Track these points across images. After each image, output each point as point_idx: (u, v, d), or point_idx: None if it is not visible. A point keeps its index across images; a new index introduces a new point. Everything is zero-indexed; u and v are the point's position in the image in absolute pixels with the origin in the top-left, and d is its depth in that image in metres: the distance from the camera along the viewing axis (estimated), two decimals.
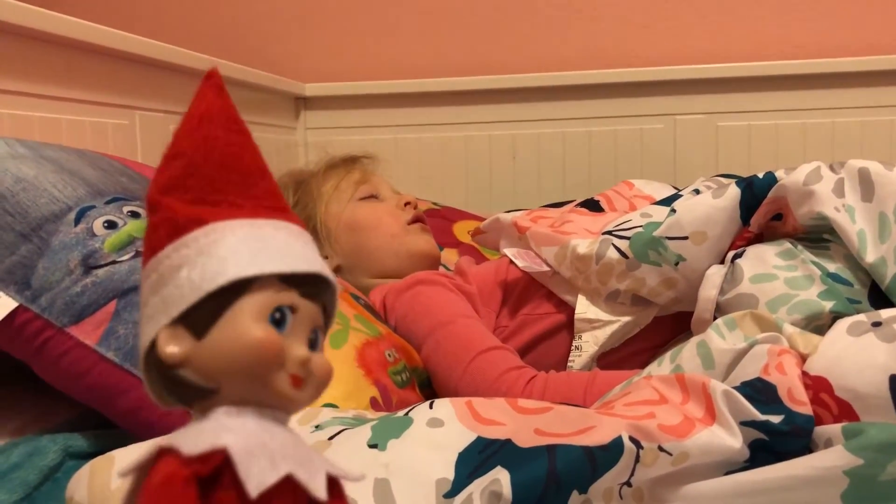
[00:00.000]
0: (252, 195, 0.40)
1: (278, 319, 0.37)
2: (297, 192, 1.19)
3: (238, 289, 0.37)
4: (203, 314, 0.37)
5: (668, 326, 0.95)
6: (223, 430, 0.36)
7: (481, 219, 1.64)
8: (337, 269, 1.15)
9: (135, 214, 0.82)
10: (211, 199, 0.39)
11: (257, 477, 0.34)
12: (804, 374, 0.64)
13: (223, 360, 0.37)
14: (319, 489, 0.35)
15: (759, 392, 0.62)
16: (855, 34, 1.79)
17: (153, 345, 0.37)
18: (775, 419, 0.60)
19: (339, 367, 0.77)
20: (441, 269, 1.27)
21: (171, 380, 0.38)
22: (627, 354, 0.95)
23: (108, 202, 0.82)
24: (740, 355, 0.69)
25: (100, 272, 0.75)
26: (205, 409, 0.38)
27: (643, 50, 1.86)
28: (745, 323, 0.73)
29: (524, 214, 1.06)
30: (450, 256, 1.46)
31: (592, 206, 1.08)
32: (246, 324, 0.36)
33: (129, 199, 0.84)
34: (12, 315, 0.72)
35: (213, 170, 0.39)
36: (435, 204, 1.67)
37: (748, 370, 0.67)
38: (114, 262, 0.76)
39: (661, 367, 0.73)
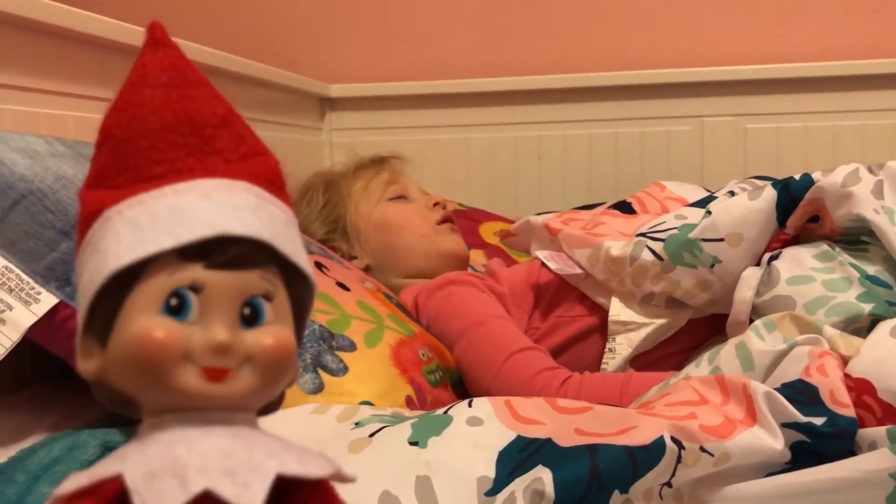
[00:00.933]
0: (211, 150, 0.34)
1: (175, 306, 0.31)
2: (327, 192, 1.20)
3: (130, 280, 0.32)
4: (100, 320, 0.32)
5: (702, 329, 0.95)
6: (119, 455, 0.32)
7: (507, 220, 1.64)
8: (367, 269, 1.15)
9: None
10: (143, 175, 0.33)
11: (161, 501, 0.29)
12: (846, 376, 0.63)
13: (121, 368, 0.32)
14: (250, 501, 0.30)
15: (801, 394, 0.61)
16: (887, 36, 1.77)
17: None
18: (818, 421, 0.59)
19: (374, 366, 0.78)
20: (469, 270, 1.27)
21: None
22: (661, 356, 0.95)
23: None
24: (780, 357, 0.68)
25: None
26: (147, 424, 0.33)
27: (670, 51, 1.85)
28: (784, 324, 0.72)
29: (555, 217, 1.05)
30: (476, 257, 1.46)
31: (624, 208, 1.08)
32: (130, 321, 0.31)
33: None
34: (53, 311, 0.72)
35: (147, 140, 0.34)
36: (461, 205, 1.67)
37: (788, 372, 0.66)
38: None
39: (700, 368, 0.73)
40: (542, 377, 0.84)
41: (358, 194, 1.18)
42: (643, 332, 0.92)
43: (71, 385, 0.83)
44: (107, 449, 0.72)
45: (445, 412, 0.62)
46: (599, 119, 1.86)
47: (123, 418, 0.79)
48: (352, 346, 0.77)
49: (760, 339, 0.70)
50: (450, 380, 0.89)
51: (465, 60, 1.94)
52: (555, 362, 0.87)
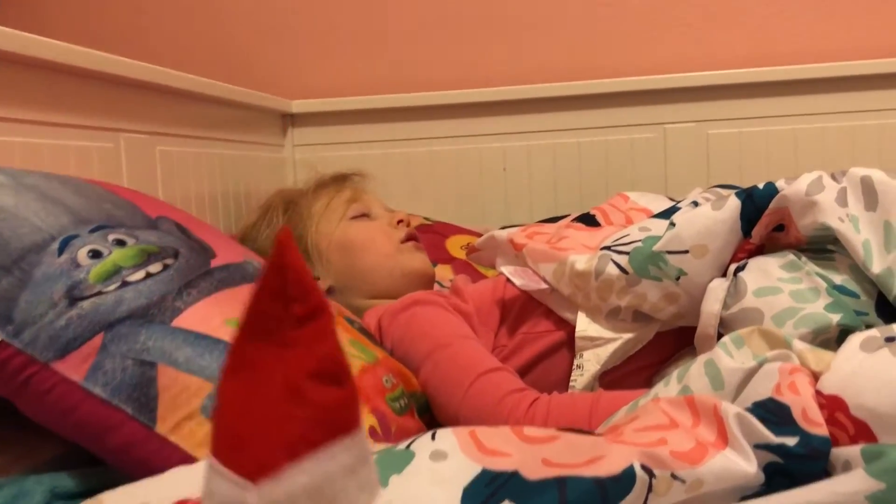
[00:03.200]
0: None
1: None
2: (287, 211, 1.17)
3: None
4: None
5: (670, 342, 0.93)
6: None
7: (474, 233, 1.62)
8: (329, 291, 1.12)
9: (120, 243, 0.79)
10: None
11: None
12: (818, 393, 0.62)
13: None
14: None
15: (773, 413, 0.60)
16: (845, 38, 1.78)
17: None
18: (790, 441, 0.57)
19: None
20: (436, 286, 1.25)
21: None
22: (630, 371, 0.93)
23: (92, 231, 0.79)
24: (750, 374, 0.66)
25: (85, 304, 0.73)
26: None
27: (632, 59, 1.85)
28: (752, 340, 0.71)
29: (519, 231, 1.04)
30: (443, 273, 1.44)
31: (588, 220, 1.06)
32: None
33: (114, 226, 0.82)
34: None
35: None
36: (426, 219, 1.65)
37: (759, 390, 0.64)
38: (99, 294, 0.74)
39: (669, 387, 0.71)
40: (510, 399, 0.81)
41: (319, 214, 1.15)
42: (611, 348, 0.90)
43: (19, 425, 0.79)
44: (55, 496, 0.68)
45: (408, 447, 0.59)
46: (563, 129, 1.85)
47: (75, 460, 0.75)
48: None
49: (729, 356, 0.69)
50: (416, 405, 0.86)
51: (428, 73, 1.92)
52: (522, 383, 0.85)
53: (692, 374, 0.70)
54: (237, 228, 1.21)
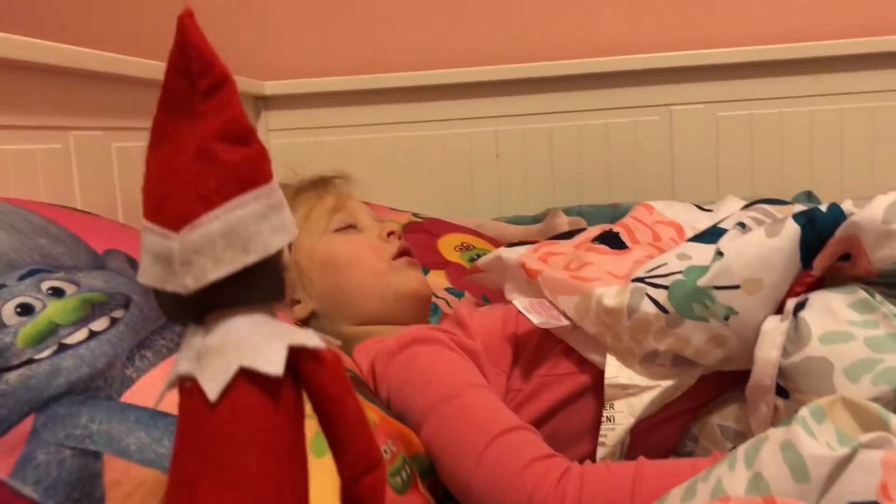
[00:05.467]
0: None
1: None
2: None
3: None
4: None
5: (710, 384, 0.81)
6: None
7: (469, 230, 1.48)
8: (313, 315, 0.98)
9: (57, 292, 0.65)
10: None
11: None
12: None
13: None
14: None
15: None
16: (865, 13, 1.65)
17: None
18: None
19: (326, 482, 0.61)
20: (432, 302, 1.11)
21: None
22: (663, 419, 0.81)
23: (22, 277, 0.64)
24: (843, 464, 0.54)
25: (11, 377, 0.58)
26: None
27: (635, 36, 1.71)
28: (835, 412, 0.58)
29: (531, 252, 0.90)
30: (436, 280, 1.30)
31: (612, 240, 0.92)
32: None
33: (51, 270, 0.67)
34: None
35: None
36: (416, 215, 1.51)
37: (856, 487, 0.52)
38: (30, 362, 0.59)
39: (735, 473, 0.58)
40: (535, 470, 0.68)
41: (298, 225, 1.00)
42: (647, 397, 0.77)
43: None
44: None
45: None
46: (560, 111, 1.72)
47: None
48: None
49: (811, 437, 0.56)
50: (419, 470, 0.73)
51: (412, 52, 1.77)
52: (547, 447, 0.71)
53: (765, 460, 0.57)
54: None
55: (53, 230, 0.73)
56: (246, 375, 0.38)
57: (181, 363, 0.40)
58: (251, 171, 0.39)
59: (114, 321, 0.64)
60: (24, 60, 0.97)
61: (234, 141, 0.39)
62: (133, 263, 0.73)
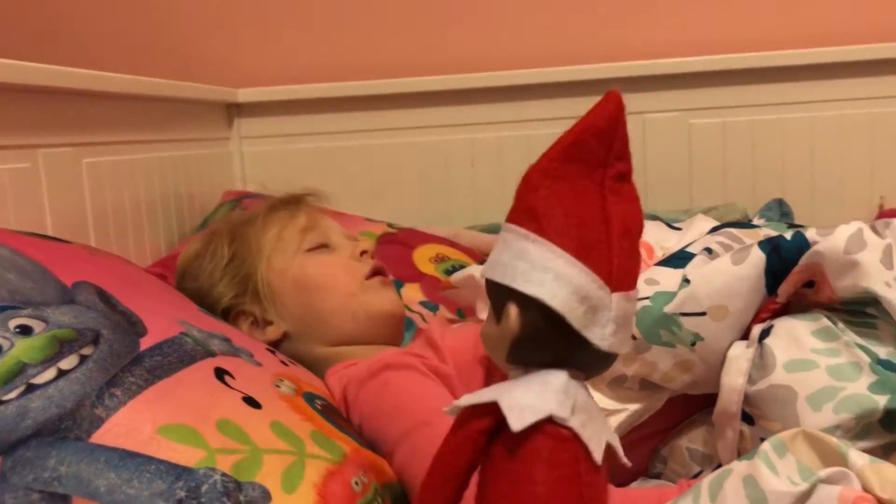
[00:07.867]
0: None
1: None
2: (234, 243, 1.02)
3: None
4: None
5: (679, 407, 0.82)
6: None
7: (444, 241, 1.49)
8: (285, 337, 0.98)
9: (25, 330, 0.64)
10: None
11: None
12: None
13: None
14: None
15: None
16: (836, 22, 1.67)
17: None
18: None
19: None
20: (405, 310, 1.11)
21: None
22: (632, 441, 0.81)
23: None
24: (801, 500, 0.55)
25: None
26: None
27: (609, 44, 1.72)
28: (797, 446, 0.60)
29: None
30: (411, 293, 1.31)
31: None
32: None
33: (19, 305, 0.66)
34: None
35: None
36: (391, 226, 1.51)
37: None
38: None
39: None
40: None
41: (271, 246, 1.01)
42: (615, 421, 0.78)
43: None
44: None
45: None
46: (536, 119, 1.72)
47: None
48: (265, 497, 0.61)
49: (772, 472, 0.57)
50: (391, 499, 0.74)
51: (389, 58, 1.76)
52: None
53: (728, 493, 0.58)
54: (182, 257, 1.06)
55: (21, 263, 0.72)
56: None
57: (552, 404, 0.46)
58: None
59: (83, 359, 0.64)
60: None
61: (635, 234, 0.48)
62: (102, 296, 0.73)
